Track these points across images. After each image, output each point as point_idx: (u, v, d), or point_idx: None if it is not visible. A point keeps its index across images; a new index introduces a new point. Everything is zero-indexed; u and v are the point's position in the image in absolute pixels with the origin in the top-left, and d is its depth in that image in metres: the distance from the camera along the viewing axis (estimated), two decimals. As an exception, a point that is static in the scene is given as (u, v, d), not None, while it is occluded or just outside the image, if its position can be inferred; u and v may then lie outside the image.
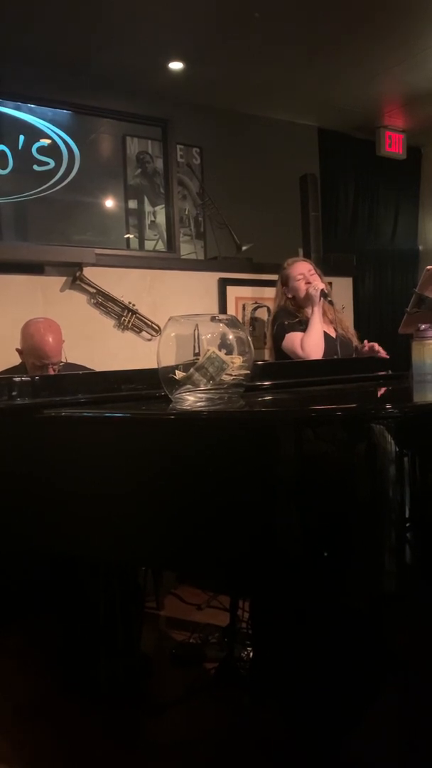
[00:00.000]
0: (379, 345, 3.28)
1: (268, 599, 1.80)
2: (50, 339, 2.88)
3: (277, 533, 1.26)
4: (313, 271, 3.36)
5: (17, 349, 2.96)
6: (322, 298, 3.23)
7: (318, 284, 3.28)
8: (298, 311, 3.35)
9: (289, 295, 3.39)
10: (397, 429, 1.17)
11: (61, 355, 2.92)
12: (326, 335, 3.26)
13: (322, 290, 3.25)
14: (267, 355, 3.53)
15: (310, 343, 3.18)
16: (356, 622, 1.47)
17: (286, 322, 3.31)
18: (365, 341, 3.31)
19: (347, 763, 1.57)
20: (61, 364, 2.92)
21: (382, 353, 3.19)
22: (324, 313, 3.30)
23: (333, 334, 3.31)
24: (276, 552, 1.26)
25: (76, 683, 2.32)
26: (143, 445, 1.48)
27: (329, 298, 3.29)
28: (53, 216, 4.27)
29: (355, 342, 3.41)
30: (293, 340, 3.24)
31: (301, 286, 3.32)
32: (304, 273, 3.34)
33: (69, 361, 3.03)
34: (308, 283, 3.31)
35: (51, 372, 2.84)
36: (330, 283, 4.52)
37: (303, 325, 3.27)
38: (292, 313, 3.35)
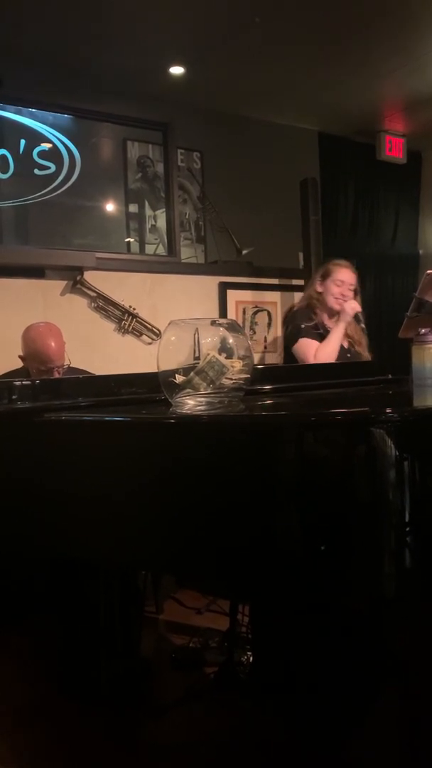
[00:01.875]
0: (380, 351, 3.27)
1: (269, 603, 1.80)
2: (52, 343, 2.89)
3: (277, 537, 1.26)
4: (354, 285, 3.33)
5: (20, 356, 2.96)
6: (353, 320, 3.21)
7: (356, 305, 3.24)
8: (317, 313, 3.32)
9: (320, 290, 3.35)
10: (397, 433, 1.18)
11: (65, 357, 2.92)
12: None
13: (358, 313, 3.22)
14: (277, 354, 3.50)
15: (324, 354, 3.15)
16: (356, 625, 1.47)
17: (302, 325, 3.26)
18: None
19: (348, 764, 1.57)
20: (65, 366, 2.92)
21: None
22: (346, 334, 3.27)
23: (346, 345, 3.29)
24: (276, 555, 1.26)
25: (76, 686, 2.32)
26: (143, 449, 1.48)
27: (362, 325, 3.26)
28: (54, 220, 4.28)
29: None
30: (307, 346, 3.20)
31: (336, 291, 3.27)
32: (345, 281, 3.30)
33: (71, 365, 3.03)
34: (344, 296, 3.27)
35: (56, 375, 2.84)
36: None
37: (318, 330, 3.25)
38: (308, 315, 3.31)
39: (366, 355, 3.38)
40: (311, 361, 3.17)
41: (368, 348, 3.36)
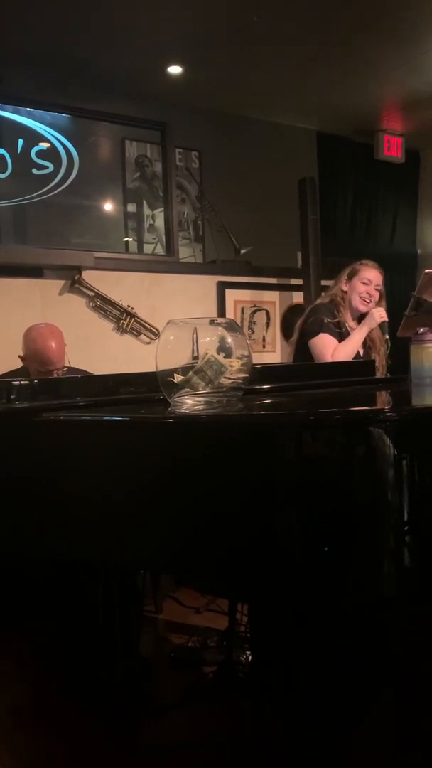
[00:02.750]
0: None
1: (268, 603, 1.80)
2: (53, 344, 2.88)
3: (276, 536, 1.26)
4: (381, 286, 3.30)
5: (20, 356, 2.95)
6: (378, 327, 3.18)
7: (384, 314, 3.20)
8: (340, 311, 3.28)
9: (345, 288, 3.31)
10: (395, 432, 1.17)
11: (64, 359, 2.92)
12: None
13: (385, 322, 3.19)
14: (284, 351, 3.47)
15: (343, 354, 3.11)
16: (356, 625, 1.47)
17: (325, 320, 3.21)
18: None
19: (347, 764, 1.57)
20: (65, 368, 2.92)
21: None
22: (368, 337, 3.24)
23: (362, 352, 3.26)
24: (275, 555, 1.26)
25: (76, 686, 2.32)
26: (142, 449, 1.48)
27: (386, 337, 3.22)
28: (52, 219, 4.28)
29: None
30: (326, 343, 3.14)
31: (362, 290, 3.22)
32: (371, 279, 3.26)
33: (71, 365, 3.03)
34: (371, 297, 3.24)
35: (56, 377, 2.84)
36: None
37: (340, 329, 3.21)
38: (332, 312, 3.27)
39: (382, 364, 3.34)
40: (328, 359, 3.12)
41: (386, 358, 3.31)
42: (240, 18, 3.68)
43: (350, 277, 3.29)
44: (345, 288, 3.28)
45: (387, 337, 3.20)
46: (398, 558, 1.19)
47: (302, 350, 3.26)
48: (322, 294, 3.57)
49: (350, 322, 3.25)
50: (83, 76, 4.20)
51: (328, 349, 3.12)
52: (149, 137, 4.64)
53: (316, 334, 3.17)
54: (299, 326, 3.35)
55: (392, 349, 3.19)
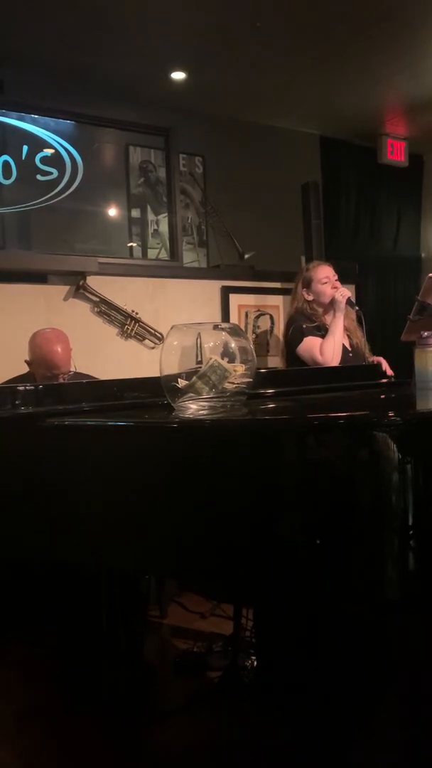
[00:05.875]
0: (383, 354, 3.27)
1: (273, 608, 1.80)
2: (59, 349, 2.89)
3: (280, 540, 1.26)
4: (336, 276, 3.35)
5: (26, 361, 2.96)
6: (347, 306, 3.23)
7: (345, 291, 3.26)
8: (316, 315, 3.33)
9: (309, 298, 3.36)
10: (399, 436, 1.17)
11: (71, 364, 2.93)
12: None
13: (349, 298, 3.23)
14: (279, 358, 3.52)
15: (329, 349, 3.16)
16: (360, 630, 1.47)
17: (304, 326, 3.27)
18: (372, 356, 3.31)
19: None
20: (71, 373, 2.93)
21: (388, 370, 3.18)
22: (345, 326, 3.29)
23: (347, 344, 3.30)
24: (279, 559, 1.26)
25: (79, 692, 2.32)
26: (146, 454, 1.48)
27: (356, 307, 3.27)
28: (57, 225, 4.28)
29: (367, 354, 3.39)
30: (312, 344, 3.21)
31: (326, 290, 3.28)
32: (329, 276, 3.32)
33: (77, 370, 3.04)
34: (334, 287, 3.29)
35: (61, 381, 2.85)
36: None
37: (321, 331, 3.25)
38: (309, 317, 3.32)
39: (363, 343, 3.39)
40: (318, 357, 3.17)
41: (365, 334, 3.38)
42: (243, 23, 3.69)
43: (307, 285, 3.38)
44: (309, 297, 3.37)
45: (357, 308, 3.27)
46: (402, 562, 1.19)
47: (292, 360, 3.32)
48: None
49: (329, 321, 3.30)
50: (87, 83, 4.21)
51: (316, 348, 3.20)
52: (153, 143, 4.65)
53: (300, 341, 3.26)
54: (283, 339, 3.44)
55: (396, 353, 3.21)
